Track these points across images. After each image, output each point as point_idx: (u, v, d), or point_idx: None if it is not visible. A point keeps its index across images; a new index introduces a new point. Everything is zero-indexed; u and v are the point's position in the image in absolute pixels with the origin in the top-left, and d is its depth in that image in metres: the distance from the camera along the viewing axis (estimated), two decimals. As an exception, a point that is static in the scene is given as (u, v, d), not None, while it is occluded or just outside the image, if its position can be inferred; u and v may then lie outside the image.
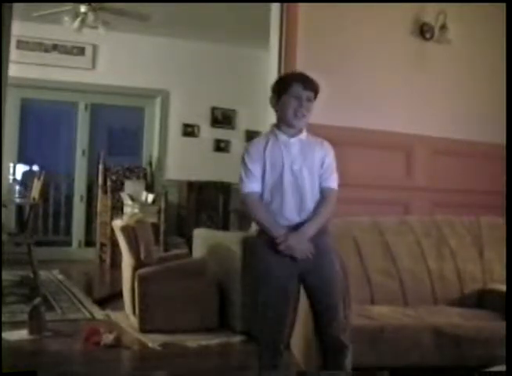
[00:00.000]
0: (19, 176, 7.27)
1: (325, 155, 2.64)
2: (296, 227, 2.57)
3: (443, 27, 4.13)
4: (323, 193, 2.63)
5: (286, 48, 3.82)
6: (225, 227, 7.58)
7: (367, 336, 2.94)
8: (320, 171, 2.62)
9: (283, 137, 2.60)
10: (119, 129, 8.20)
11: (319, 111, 3.85)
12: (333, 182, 2.65)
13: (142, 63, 7.59)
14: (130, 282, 4.18)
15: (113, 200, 7.22)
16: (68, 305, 4.82)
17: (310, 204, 2.60)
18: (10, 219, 6.86)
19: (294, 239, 2.53)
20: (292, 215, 2.58)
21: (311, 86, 2.58)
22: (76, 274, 6.46)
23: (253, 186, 2.59)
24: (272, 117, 3.90)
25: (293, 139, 2.60)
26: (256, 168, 2.58)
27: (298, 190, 2.58)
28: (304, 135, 2.64)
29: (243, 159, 2.62)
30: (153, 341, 3.79)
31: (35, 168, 7.12)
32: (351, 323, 2.77)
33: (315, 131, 3.82)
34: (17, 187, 6.77)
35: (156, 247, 5.40)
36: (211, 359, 3.64)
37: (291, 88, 2.56)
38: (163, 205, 7.07)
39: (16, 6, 3.52)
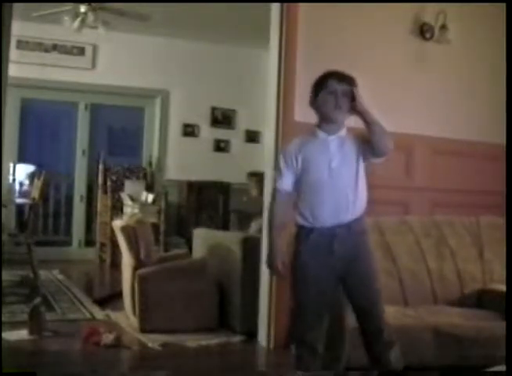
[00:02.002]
0: (19, 176, 7.27)
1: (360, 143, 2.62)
2: (333, 228, 2.56)
3: (443, 27, 4.12)
4: None
5: (286, 48, 3.81)
6: (225, 227, 7.57)
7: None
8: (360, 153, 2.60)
9: (322, 135, 2.61)
10: (119, 129, 8.20)
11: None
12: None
13: (142, 63, 7.59)
14: (130, 282, 4.18)
15: (113, 200, 7.22)
16: (68, 305, 4.82)
17: (350, 206, 2.58)
18: (10, 219, 6.86)
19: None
20: (330, 216, 2.57)
21: (345, 80, 2.58)
22: (76, 274, 6.46)
23: (283, 184, 2.64)
24: (270, 118, 3.92)
25: (332, 137, 2.59)
26: (288, 169, 2.62)
27: (338, 190, 2.57)
28: (344, 132, 2.62)
29: (279, 158, 2.69)
30: (153, 341, 3.79)
31: (35, 168, 7.11)
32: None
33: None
34: (17, 187, 6.77)
35: (156, 247, 5.40)
36: (211, 359, 3.64)
37: (326, 84, 2.58)
38: (163, 205, 7.07)
39: (16, 6, 3.52)
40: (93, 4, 5.88)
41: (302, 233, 2.62)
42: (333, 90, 2.56)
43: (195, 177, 7.74)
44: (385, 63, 4.08)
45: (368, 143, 2.54)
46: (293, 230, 2.69)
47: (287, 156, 2.63)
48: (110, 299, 5.00)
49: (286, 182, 2.63)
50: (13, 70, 3.69)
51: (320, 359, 2.65)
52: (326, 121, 2.60)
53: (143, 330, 3.98)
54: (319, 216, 2.57)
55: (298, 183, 2.63)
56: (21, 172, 7.23)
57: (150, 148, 8.03)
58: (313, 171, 2.58)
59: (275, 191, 2.68)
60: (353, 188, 2.58)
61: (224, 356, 3.71)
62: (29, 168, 7.25)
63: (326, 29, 3.90)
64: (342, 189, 2.56)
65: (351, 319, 2.80)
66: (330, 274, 2.60)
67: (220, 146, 8.19)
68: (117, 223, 4.53)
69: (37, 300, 4.01)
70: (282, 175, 2.64)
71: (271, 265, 2.67)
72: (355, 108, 2.53)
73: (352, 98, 2.54)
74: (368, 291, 2.64)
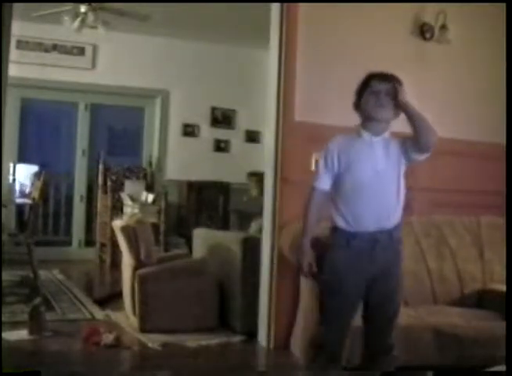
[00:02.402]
0: (19, 176, 7.27)
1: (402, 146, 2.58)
2: (375, 234, 2.50)
3: (443, 27, 4.12)
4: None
5: (286, 48, 3.81)
6: (225, 227, 7.57)
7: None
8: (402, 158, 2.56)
9: (366, 136, 2.55)
10: (119, 129, 8.20)
11: (320, 111, 3.88)
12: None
13: (142, 63, 7.59)
14: (130, 282, 4.18)
15: (113, 200, 7.22)
16: (68, 305, 4.82)
17: (392, 212, 2.53)
18: (10, 219, 6.86)
19: None
20: (371, 222, 2.50)
21: (387, 79, 2.54)
22: (76, 274, 6.46)
23: (321, 183, 2.58)
24: (270, 118, 3.92)
25: (377, 138, 2.54)
26: (327, 168, 2.56)
27: (381, 195, 2.50)
28: (388, 134, 2.58)
29: (320, 156, 2.63)
30: (153, 341, 3.79)
31: (35, 168, 7.11)
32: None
33: (316, 130, 3.84)
34: (17, 187, 6.77)
35: (156, 247, 5.40)
36: (211, 359, 3.64)
37: (369, 84, 2.55)
38: (163, 205, 7.07)
39: (16, 6, 3.52)
40: (93, 4, 5.88)
41: (341, 237, 2.54)
42: (375, 90, 2.52)
43: (195, 177, 7.74)
44: (385, 63, 4.07)
45: (412, 140, 2.50)
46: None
47: (328, 155, 2.57)
48: (110, 299, 5.00)
49: (325, 182, 2.57)
50: (13, 70, 3.69)
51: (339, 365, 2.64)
52: (369, 120, 2.54)
53: (143, 330, 3.98)
54: (363, 220, 2.49)
55: (338, 183, 2.56)
56: (21, 172, 7.23)
57: (150, 148, 8.03)
58: (357, 172, 2.51)
59: (311, 189, 2.61)
60: (395, 192, 2.53)
61: (224, 356, 3.71)
62: (29, 168, 7.24)
63: (326, 29, 3.90)
64: (386, 193, 2.51)
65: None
66: (365, 282, 2.53)
67: (220, 146, 8.19)
68: (117, 223, 4.53)
69: (37, 300, 4.01)
70: (320, 174, 2.58)
71: (299, 263, 2.64)
72: (398, 103, 2.49)
73: (395, 95, 2.49)
74: (392, 298, 2.58)
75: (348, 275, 2.51)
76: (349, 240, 2.51)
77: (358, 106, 2.59)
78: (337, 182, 2.56)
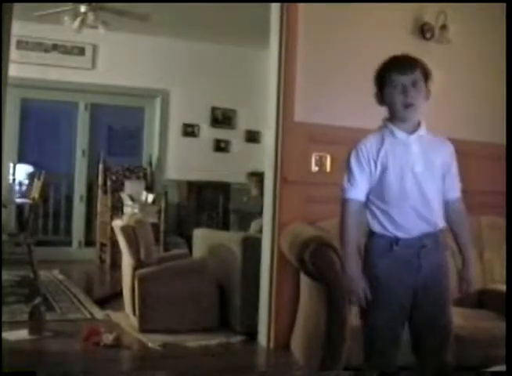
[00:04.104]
0: (19, 176, 7.28)
1: (451, 160, 2.38)
2: (421, 239, 2.26)
3: (443, 27, 4.12)
4: (453, 206, 2.37)
5: (286, 48, 3.81)
6: (225, 227, 7.58)
7: (367, 336, 2.93)
8: (445, 179, 2.34)
9: (400, 134, 2.28)
10: (119, 129, 8.20)
11: (320, 111, 3.88)
12: (459, 191, 2.43)
13: (142, 63, 7.59)
14: (130, 282, 4.18)
15: (113, 200, 7.22)
16: (68, 305, 4.82)
17: (435, 215, 2.29)
18: (10, 219, 6.87)
19: None
20: (413, 227, 2.26)
21: (410, 68, 2.26)
22: (76, 274, 6.46)
23: (356, 193, 2.27)
24: (270, 118, 3.92)
25: (412, 137, 2.28)
26: (363, 175, 2.26)
27: (422, 197, 2.26)
28: (423, 130, 2.32)
29: (348, 160, 2.30)
30: (153, 341, 3.79)
31: (35, 168, 7.11)
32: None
33: (316, 130, 3.84)
34: (17, 187, 6.78)
35: (156, 247, 5.40)
36: (211, 359, 3.64)
37: (390, 77, 2.25)
38: (163, 205, 7.07)
39: (16, 6, 3.52)
40: (93, 4, 5.88)
41: (381, 243, 2.29)
42: (397, 84, 2.24)
43: (195, 177, 7.74)
44: (385, 63, 4.08)
45: (450, 194, 2.36)
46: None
47: (362, 157, 2.27)
48: (110, 299, 5.00)
49: (361, 190, 2.28)
50: (13, 70, 3.69)
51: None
52: (397, 119, 2.29)
53: (143, 330, 3.98)
54: (404, 225, 2.26)
55: (374, 187, 2.29)
56: (21, 172, 7.24)
57: (150, 148, 8.03)
58: (393, 174, 2.25)
59: (345, 202, 2.28)
60: (437, 194, 2.31)
61: (224, 356, 3.70)
62: (29, 168, 7.26)
63: (326, 29, 3.90)
64: (427, 195, 2.27)
65: (351, 319, 2.80)
66: (411, 292, 2.29)
67: (220, 146, 8.19)
68: (117, 223, 4.53)
69: (37, 300, 4.01)
70: (356, 181, 2.26)
71: (351, 293, 2.28)
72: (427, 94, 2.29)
73: (425, 80, 2.27)
74: (439, 309, 2.33)
75: (392, 285, 2.26)
76: (392, 247, 2.26)
77: (380, 99, 2.31)
78: (372, 186, 2.29)
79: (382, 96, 2.30)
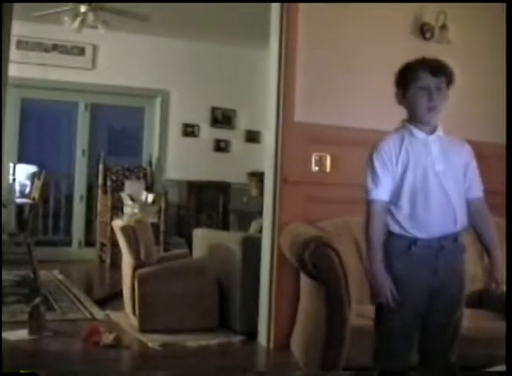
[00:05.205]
0: (19, 176, 7.27)
1: (469, 159, 2.36)
2: (439, 240, 2.26)
3: (443, 27, 4.12)
4: (475, 206, 2.36)
5: (286, 48, 3.81)
6: (225, 227, 7.58)
7: (367, 336, 2.93)
8: (465, 179, 2.33)
9: (420, 134, 2.28)
10: (119, 129, 8.21)
11: (320, 111, 3.88)
12: (480, 191, 2.40)
13: (142, 63, 7.60)
14: (130, 282, 4.18)
15: (113, 200, 7.22)
16: (68, 305, 4.82)
17: (457, 214, 2.28)
18: (10, 219, 6.87)
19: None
20: (435, 226, 2.26)
21: (441, 71, 2.25)
22: (76, 274, 6.46)
23: (380, 193, 2.26)
24: (270, 118, 3.92)
25: (432, 137, 2.28)
26: (386, 174, 2.25)
27: (444, 196, 2.26)
28: (441, 131, 2.32)
29: (371, 160, 2.28)
30: (153, 341, 3.79)
31: (35, 168, 7.11)
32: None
33: (316, 131, 3.84)
34: (17, 187, 6.77)
35: (156, 247, 5.40)
36: (211, 359, 3.64)
37: (418, 77, 2.23)
38: (163, 205, 7.07)
39: (16, 6, 3.52)
40: (93, 4, 5.88)
41: (400, 244, 2.27)
42: (425, 86, 2.23)
43: (195, 177, 7.74)
44: (385, 63, 4.08)
45: (471, 198, 2.34)
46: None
47: (386, 158, 2.25)
48: (110, 299, 5.00)
49: (385, 190, 2.26)
50: (13, 70, 3.69)
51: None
52: (418, 121, 2.29)
53: (143, 330, 3.98)
54: (425, 224, 2.25)
55: (395, 187, 2.27)
56: (21, 172, 7.23)
57: (150, 148, 8.03)
58: (414, 174, 2.25)
59: (370, 203, 2.27)
60: (458, 194, 2.30)
61: (224, 356, 3.71)
62: (29, 168, 7.25)
63: (326, 29, 3.90)
64: (448, 193, 2.26)
65: (351, 319, 2.80)
66: (428, 293, 2.29)
67: (220, 146, 8.19)
68: (117, 223, 4.53)
69: (38, 300, 4.01)
70: (379, 183, 2.25)
71: (378, 295, 2.27)
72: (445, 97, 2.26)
73: (448, 83, 2.25)
74: (452, 312, 2.36)
75: (408, 286, 2.25)
76: (410, 248, 2.25)
77: (402, 101, 2.30)
78: (394, 186, 2.28)
79: (404, 95, 2.29)
